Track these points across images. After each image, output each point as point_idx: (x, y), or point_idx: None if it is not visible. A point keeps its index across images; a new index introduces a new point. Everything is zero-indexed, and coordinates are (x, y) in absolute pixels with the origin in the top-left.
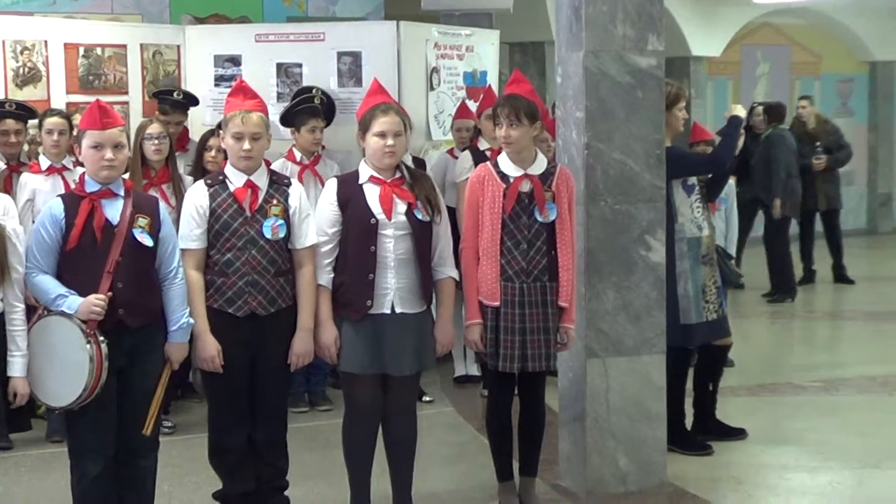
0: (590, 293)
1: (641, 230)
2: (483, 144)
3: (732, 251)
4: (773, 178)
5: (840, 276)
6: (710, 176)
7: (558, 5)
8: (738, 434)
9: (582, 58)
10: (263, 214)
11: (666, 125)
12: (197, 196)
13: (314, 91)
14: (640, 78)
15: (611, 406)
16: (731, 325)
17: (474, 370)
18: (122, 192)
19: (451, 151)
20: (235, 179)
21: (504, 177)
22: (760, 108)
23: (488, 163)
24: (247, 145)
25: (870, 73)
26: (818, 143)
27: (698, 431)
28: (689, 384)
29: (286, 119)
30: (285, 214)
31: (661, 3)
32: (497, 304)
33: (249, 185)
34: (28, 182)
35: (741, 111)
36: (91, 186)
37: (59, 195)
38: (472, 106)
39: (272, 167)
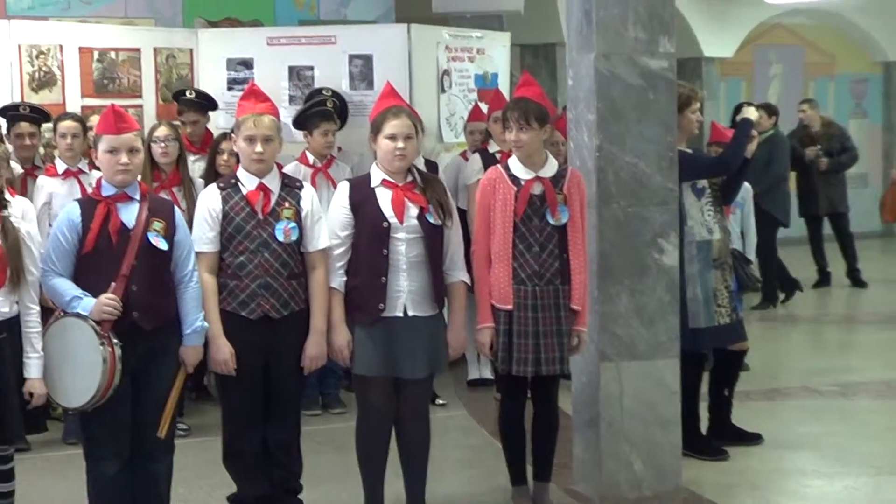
0: (603, 296)
1: (654, 233)
2: (493, 147)
3: (751, 255)
4: (770, 181)
5: (854, 279)
6: (724, 179)
7: (569, 8)
8: (753, 439)
9: (593, 60)
10: (276, 217)
11: (679, 127)
12: (210, 199)
13: (325, 93)
14: (651, 80)
15: (625, 410)
16: (748, 329)
17: (488, 373)
18: (137, 196)
19: (463, 154)
20: (248, 182)
21: (515, 179)
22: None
23: (499, 165)
24: (259, 148)
25: (884, 74)
26: (819, 147)
27: (714, 436)
28: (705, 389)
29: (299, 122)
30: (297, 217)
31: (672, 6)
32: (510, 307)
33: (262, 188)
34: (45, 185)
35: (753, 114)
36: (107, 190)
37: (76, 199)
38: (485, 108)
39: (284, 170)
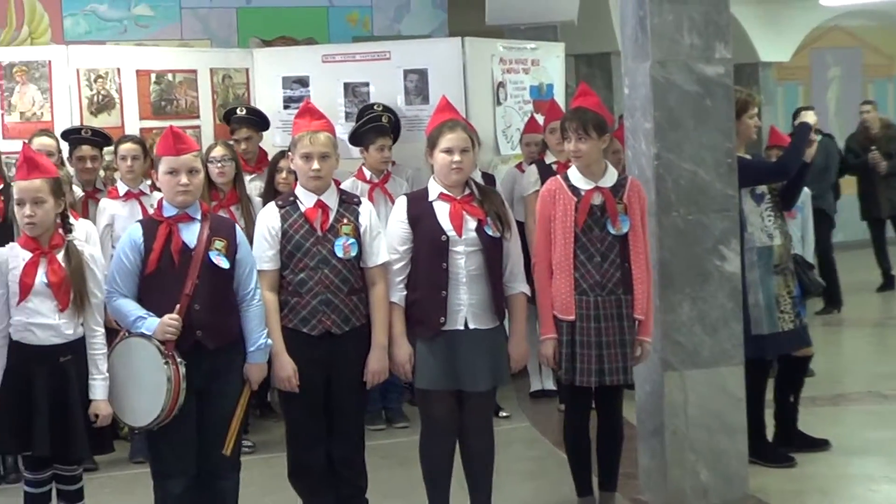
0: (664, 305)
1: (715, 240)
2: (549, 158)
3: (809, 258)
4: (823, 186)
5: None
6: (784, 184)
7: (623, 16)
8: (820, 445)
9: (649, 68)
10: (335, 234)
11: (737, 133)
12: (269, 218)
13: (377, 108)
14: (708, 87)
15: (689, 419)
16: (812, 334)
17: (550, 385)
18: (198, 216)
19: (519, 166)
20: (306, 200)
21: (575, 190)
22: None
23: (559, 176)
24: (315, 165)
25: None
26: (873, 148)
27: (780, 443)
28: (770, 395)
29: (354, 138)
30: (356, 233)
31: (727, 11)
32: (572, 318)
33: (320, 205)
34: (107, 207)
35: (811, 118)
36: (168, 211)
37: (139, 220)
38: (541, 119)
39: (342, 186)
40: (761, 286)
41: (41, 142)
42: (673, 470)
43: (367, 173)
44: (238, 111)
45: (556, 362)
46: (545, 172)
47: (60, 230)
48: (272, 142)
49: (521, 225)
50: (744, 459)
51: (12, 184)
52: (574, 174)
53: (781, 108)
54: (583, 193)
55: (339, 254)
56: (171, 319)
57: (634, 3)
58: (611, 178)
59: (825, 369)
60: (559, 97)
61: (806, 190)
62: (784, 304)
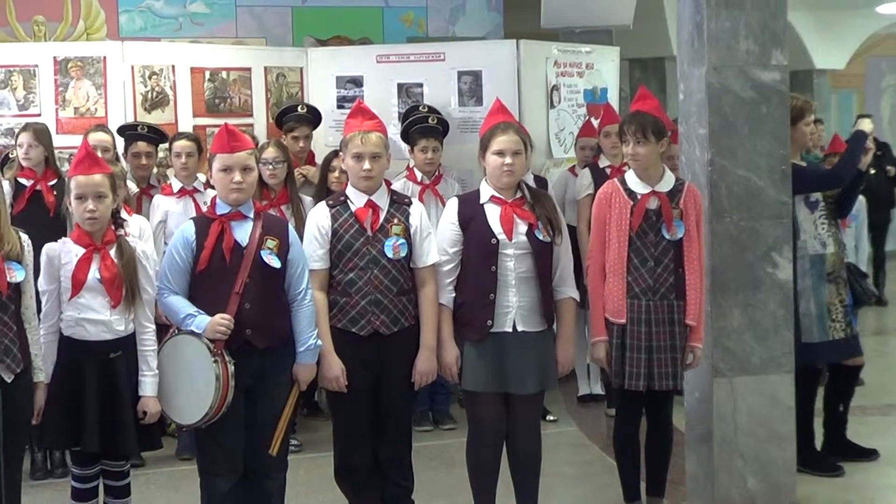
0: (716, 311)
1: (767, 247)
2: (603, 161)
3: (863, 266)
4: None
5: None
6: (839, 191)
7: (680, 21)
8: (869, 455)
9: (704, 73)
10: (385, 234)
11: (792, 140)
12: (319, 217)
13: (421, 108)
14: (763, 93)
15: (738, 426)
16: (863, 343)
17: (598, 389)
18: (251, 215)
19: (571, 169)
20: (357, 200)
21: (631, 193)
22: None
23: (615, 179)
24: (367, 165)
25: None
26: None
27: (829, 452)
28: (819, 404)
29: (405, 137)
30: (406, 234)
31: (784, 18)
32: (623, 321)
33: (370, 205)
34: (160, 204)
35: (867, 126)
36: (221, 209)
37: (191, 218)
38: (597, 123)
39: (393, 187)
40: (813, 294)
41: (97, 137)
42: (720, 477)
43: (418, 174)
44: (299, 109)
45: (608, 364)
46: (598, 176)
47: (112, 226)
48: (324, 141)
49: (572, 229)
50: (792, 468)
51: (70, 179)
52: (631, 178)
53: (835, 116)
54: (639, 197)
55: (389, 254)
56: (223, 319)
57: (691, 7)
58: (668, 182)
59: (875, 379)
60: (613, 101)
61: (861, 198)
62: (835, 313)
